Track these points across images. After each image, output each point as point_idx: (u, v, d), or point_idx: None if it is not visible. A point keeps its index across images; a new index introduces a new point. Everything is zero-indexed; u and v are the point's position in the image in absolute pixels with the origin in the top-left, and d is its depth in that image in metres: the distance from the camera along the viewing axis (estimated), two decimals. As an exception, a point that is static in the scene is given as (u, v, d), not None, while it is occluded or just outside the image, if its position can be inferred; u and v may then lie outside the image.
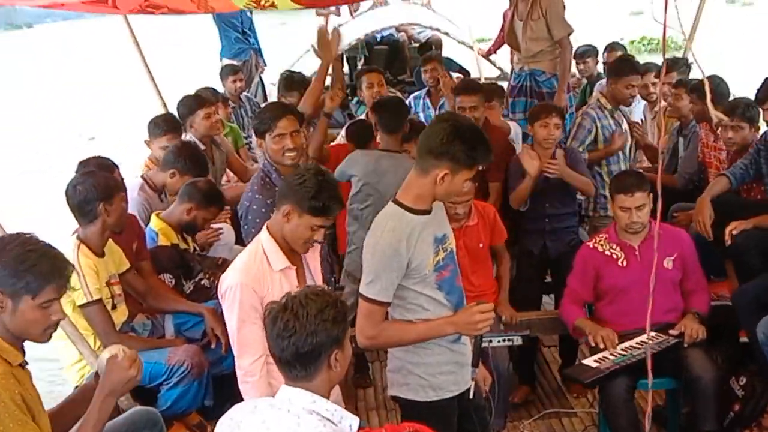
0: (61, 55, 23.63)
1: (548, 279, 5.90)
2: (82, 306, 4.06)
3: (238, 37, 9.61)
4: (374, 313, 3.33)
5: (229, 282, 3.45)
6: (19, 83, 20.99)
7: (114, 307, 4.26)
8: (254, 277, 3.41)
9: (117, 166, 5.01)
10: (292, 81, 6.80)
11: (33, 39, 29.36)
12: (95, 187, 4.16)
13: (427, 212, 3.34)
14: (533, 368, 5.71)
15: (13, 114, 17.47)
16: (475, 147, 3.19)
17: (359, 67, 10.40)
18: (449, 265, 3.44)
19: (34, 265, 2.90)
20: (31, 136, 15.12)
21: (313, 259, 3.69)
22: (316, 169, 3.56)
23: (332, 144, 6.32)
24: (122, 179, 4.84)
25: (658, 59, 7.83)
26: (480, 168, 3.33)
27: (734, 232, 4.57)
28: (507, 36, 7.15)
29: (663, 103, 6.81)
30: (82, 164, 4.88)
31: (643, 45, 20.35)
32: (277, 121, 4.27)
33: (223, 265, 5.39)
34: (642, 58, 9.74)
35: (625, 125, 6.07)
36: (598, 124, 5.94)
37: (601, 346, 4.39)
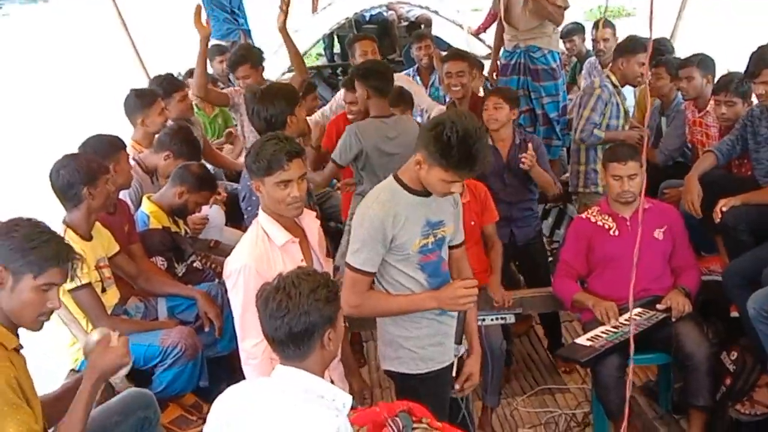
0: (74, 32, 23.12)
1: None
2: (71, 290, 4.04)
3: (227, 18, 9.54)
4: (358, 282, 3.38)
5: (233, 265, 3.41)
6: (32, 66, 20.54)
7: (104, 290, 4.25)
8: (258, 258, 3.37)
9: (123, 146, 4.90)
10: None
11: (48, 13, 28.86)
12: (78, 170, 4.12)
13: (424, 194, 3.35)
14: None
15: (27, 105, 17.18)
16: (450, 151, 3.10)
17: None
18: (437, 251, 3.46)
19: (41, 245, 2.91)
20: (45, 132, 14.84)
21: (312, 231, 3.64)
22: (262, 137, 3.58)
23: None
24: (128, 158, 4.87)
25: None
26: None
27: (724, 209, 4.59)
28: (504, 12, 7.08)
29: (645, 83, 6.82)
30: (88, 140, 4.78)
31: (600, 12, 20.53)
32: (299, 93, 4.56)
33: (215, 246, 5.41)
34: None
35: (623, 107, 6.07)
36: (612, 100, 5.94)
37: (606, 317, 4.44)
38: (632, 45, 5.99)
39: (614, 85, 5.99)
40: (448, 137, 3.10)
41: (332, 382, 3.30)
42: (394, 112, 5.37)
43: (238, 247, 3.51)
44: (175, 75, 6.59)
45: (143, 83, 6.75)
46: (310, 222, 3.64)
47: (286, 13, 6.07)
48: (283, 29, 6.08)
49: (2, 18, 27.22)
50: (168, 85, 5.98)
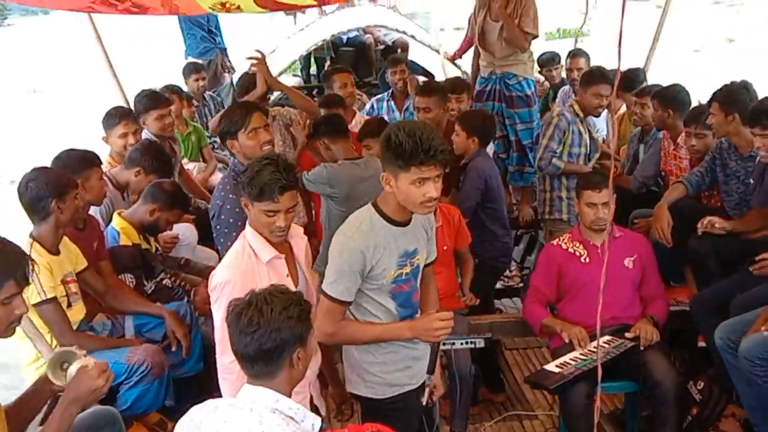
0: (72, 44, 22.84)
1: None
2: (36, 304, 3.98)
3: (204, 36, 9.54)
4: (334, 311, 3.35)
5: (217, 279, 3.40)
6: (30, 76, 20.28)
7: (69, 305, 4.19)
8: (243, 273, 3.36)
9: (100, 161, 4.90)
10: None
11: (48, 26, 28.54)
12: (47, 184, 4.08)
13: (403, 224, 3.34)
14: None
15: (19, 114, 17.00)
16: (400, 147, 3.11)
17: (326, 67, 10.39)
18: (410, 281, 3.44)
19: None
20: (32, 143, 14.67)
21: (299, 247, 3.62)
22: (262, 157, 3.52)
23: None
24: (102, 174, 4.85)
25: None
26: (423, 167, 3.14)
27: (717, 225, 4.60)
28: (479, 38, 7.13)
29: (620, 111, 6.89)
30: (65, 153, 4.75)
31: (559, 34, 21.12)
32: (250, 117, 4.30)
33: (186, 265, 5.36)
34: (556, 46, 9.87)
35: (587, 136, 6.12)
36: (571, 128, 6.01)
37: (577, 342, 4.44)
38: (589, 76, 6.10)
39: (576, 114, 6.05)
40: (396, 136, 3.12)
41: (311, 397, 3.29)
42: (371, 144, 5.38)
43: (225, 261, 3.50)
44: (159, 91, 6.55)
45: (119, 99, 6.75)
46: (298, 238, 3.63)
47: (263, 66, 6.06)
48: (274, 82, 6.17)
49: (7, 28, 26.94)
50: (148, 102, 5.96)
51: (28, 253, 3.91)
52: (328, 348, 3.79)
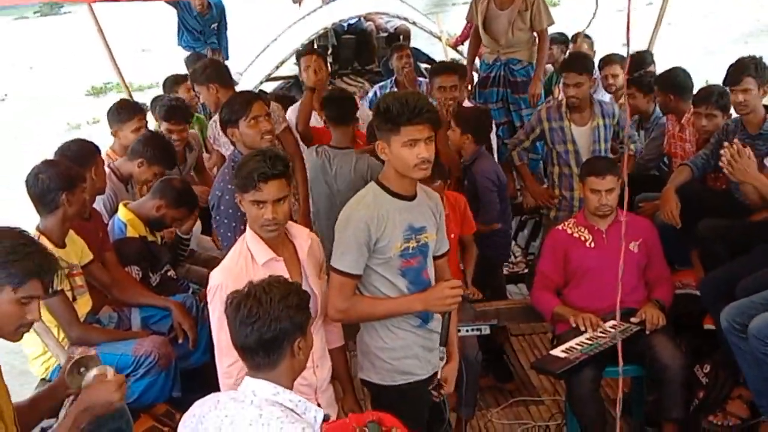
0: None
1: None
2: None
3: (197, 38, 9.60)
4: (345, 286, 3.38)
5: (211, 282, 3.35)
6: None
7: (74, 299, 4.20)
8: (236, 277, 3.23)
9: (99, 151, 4.89)
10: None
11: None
12: (58, 176, 4.08)
13: (407, 198, 3.38)
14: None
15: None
16: (389, 111, 3.21)
17: (328, 56, 10.37)
18: (418, 256, 3.45)
19: (22, 258, 2.84)
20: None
21: (302, 249, 3.50)
22: (252, 150, 3.53)
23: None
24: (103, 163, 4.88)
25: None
26: (411, 125, 3.20)
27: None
28: (484, 27, 7.11)
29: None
30: (67, 144, 4.76)
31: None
32: (251, 106, 4.31)
33: (190, 255, 5.36)
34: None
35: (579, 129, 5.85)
36: (546, 126, 5.87)
37: (583, 328, 4.45)
38: (564, 62, 6.14)
39: (558, 109, 5.89)
40: (384, 102, 3.27)
41: (319, 406, 3.28)
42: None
43: (222, 263, 3.45)
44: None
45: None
46: (301, 239, 3.52)
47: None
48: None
49: (64, 15, 26.79)
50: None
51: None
52: (341, 353, 3.77)
